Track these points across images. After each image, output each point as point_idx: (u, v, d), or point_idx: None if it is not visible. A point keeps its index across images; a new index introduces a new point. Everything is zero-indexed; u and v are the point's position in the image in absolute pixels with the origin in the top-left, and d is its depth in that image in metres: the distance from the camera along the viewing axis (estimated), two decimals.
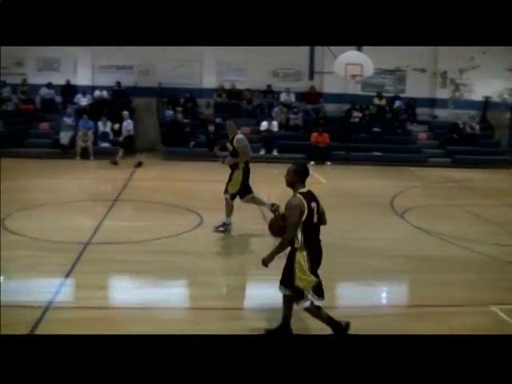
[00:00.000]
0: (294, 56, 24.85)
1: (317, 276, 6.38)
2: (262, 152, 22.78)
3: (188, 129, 23.15)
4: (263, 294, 7.13)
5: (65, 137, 22.26)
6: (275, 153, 22.93)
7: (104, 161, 20.86)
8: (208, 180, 17.55)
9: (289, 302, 6.63)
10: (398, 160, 23.18)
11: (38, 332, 6.62)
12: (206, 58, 25.11)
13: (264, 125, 23.52)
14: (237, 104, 25.20)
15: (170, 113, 23.89)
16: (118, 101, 24.23)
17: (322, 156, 22.74)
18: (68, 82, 24.71)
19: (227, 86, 25.49)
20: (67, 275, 8.69)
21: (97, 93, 24.64)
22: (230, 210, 11.44)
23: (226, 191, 11.38)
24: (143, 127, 24.67)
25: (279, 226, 6.49)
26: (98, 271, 8.94)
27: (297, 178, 6.39)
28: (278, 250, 6.36)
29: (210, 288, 8.40)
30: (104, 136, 22.53)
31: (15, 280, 8.76)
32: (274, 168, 20.19)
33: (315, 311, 6.43)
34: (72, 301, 8.02)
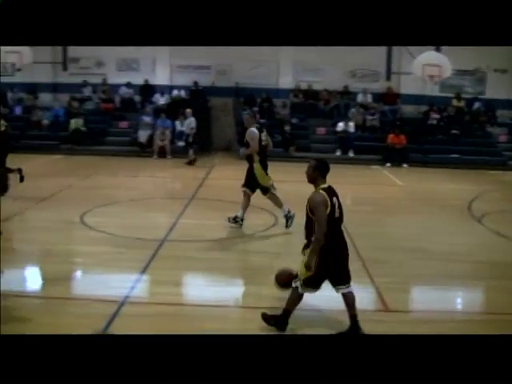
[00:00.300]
0: (371, 56, 24.55)
1: (325, 270, 6.48)
2: (338, 153, 22.66)
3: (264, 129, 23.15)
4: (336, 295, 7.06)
5: (143, 135, 22.69)
6: (351, 154, 22.74)
7: (181, 159, 21.14)
8: (283, 180, 17.49)
9: (351, 302, 6.63)
10: (476, 163, 22.56)
11: (114, 326, 6.78)
12: (283, 58, 25.13)
13: (340, 126, 23.37)
14: (313, 104, 25.15)
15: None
16: (195, 100, 24.49)
17: (399, 158, 22.38)
18: (146, 81, 25.15)
19: (304, 86, 25.43)
20: (143, 271, 8.84)
21: (174, 92, 25.01)
22: (278, 201, 11.53)
23: (265, 191, 11.54)
24: (220, 127, 24.93)
25: (286, 279, 6.92)
26: (173, 268, 9.08)
27: (317, 174, 6.59)
28: (314, 248, 6.40)
29: None
30: (181, 135, 22.81)
31: (93, 275, 8.98)
32: (348, 169, 20.11)
33: (293, 294, 6.66)
34: (147, 296, 8.17)
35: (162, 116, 22.86)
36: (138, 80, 25.09)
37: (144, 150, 22.36)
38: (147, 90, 25.16)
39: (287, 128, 22.81)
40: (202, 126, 23.82)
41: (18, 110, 24.96)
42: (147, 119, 23.15)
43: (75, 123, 22.99)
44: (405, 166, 22.25)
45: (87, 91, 25.29)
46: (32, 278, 9.00)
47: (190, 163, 20.74)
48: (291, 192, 11.46)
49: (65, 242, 10.69)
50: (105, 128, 23.83)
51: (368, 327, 6.61)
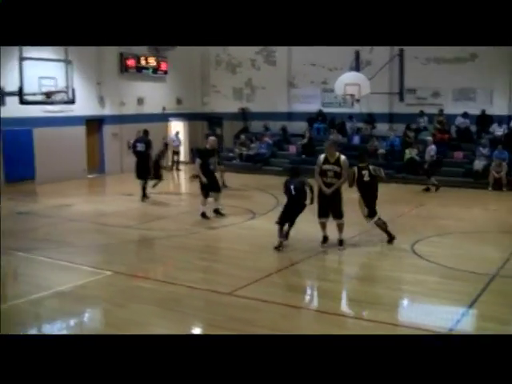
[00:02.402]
0: None
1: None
2: None
3: None
4: None
5: (478, 165, 22.24)
6: None
7: None
8: None
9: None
10: None
11: None
12: None
13: None
14: None
15: None
16: None
17: None
18: (483, 111, 24.56)
19: None
20: (471, 305, 8.74)
21: None
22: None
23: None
24: None
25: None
26: (503, 304, 8.83)
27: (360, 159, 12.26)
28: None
29: None
30: None
31: (420, 303, 9.12)
32: None
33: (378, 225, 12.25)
34: (473, 331, 8.03)
35: (498, 147, 22.19)
36: (474, 110, 24.66)
37: (478, 182, 21.86)
38: (484, 120, 24.60)
39: None
40: None
41: (355, 139, 26.21)
42: (484, 150, 22.66)
43: (409, 152, 23.37)
44: None
45: (423, 121, 25.55)
46: (355, 301, 9.40)
47: (429, 189, 20.72)
48: None
49: (395, 268, 11.00)
50: (440, 158, 23.74)
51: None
